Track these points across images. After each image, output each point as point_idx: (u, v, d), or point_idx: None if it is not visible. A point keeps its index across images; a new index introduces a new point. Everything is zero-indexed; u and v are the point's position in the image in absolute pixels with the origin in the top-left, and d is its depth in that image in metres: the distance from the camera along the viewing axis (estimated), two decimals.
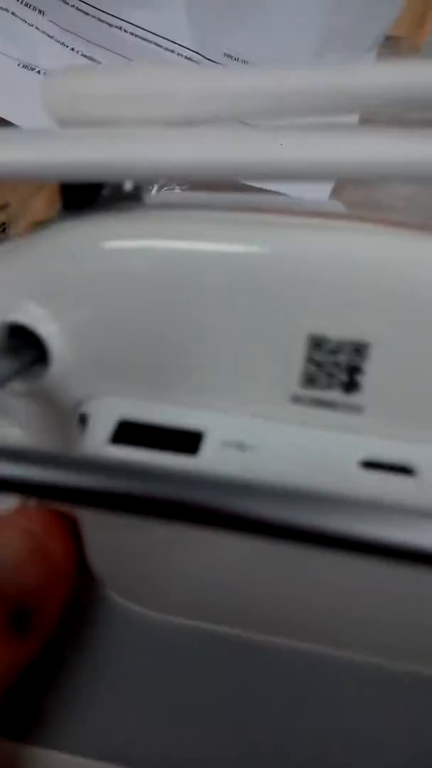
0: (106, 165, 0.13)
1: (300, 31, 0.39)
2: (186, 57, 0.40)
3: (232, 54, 0.40)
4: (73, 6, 0.40)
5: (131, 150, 0.13)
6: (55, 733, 0.20)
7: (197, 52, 0.40)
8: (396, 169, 0.12)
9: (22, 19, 0.41)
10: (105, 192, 0.16)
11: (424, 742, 0.18)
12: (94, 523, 0.16)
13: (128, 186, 0.16)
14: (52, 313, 0.15)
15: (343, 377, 0.14)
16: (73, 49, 0.41)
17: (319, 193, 0.37)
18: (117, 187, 0.16)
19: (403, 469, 0.14)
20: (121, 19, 0.39)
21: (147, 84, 0.14)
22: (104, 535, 0.16)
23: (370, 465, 0.14)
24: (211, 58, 0.40)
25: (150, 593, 0.17)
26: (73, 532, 0.17)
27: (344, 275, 0.13)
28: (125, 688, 0.19)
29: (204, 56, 0.40)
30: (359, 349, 0.13)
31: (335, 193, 0.37)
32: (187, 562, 0.16)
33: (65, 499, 0.11)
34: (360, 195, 0.37)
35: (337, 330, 0.13)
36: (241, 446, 0.14)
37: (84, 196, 0.15)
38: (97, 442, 0.14)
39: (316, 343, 0.14)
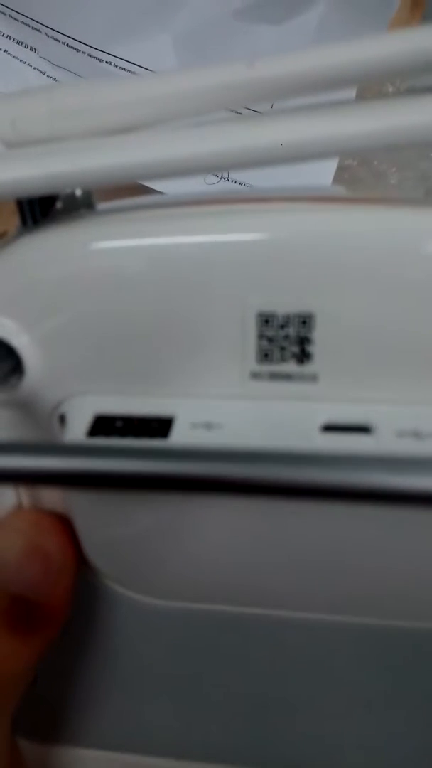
0: (52, 177, 0.14)
1: None
2: None
3: None
4: (64, 43, 0.41)
5: (74, 161, 0.14)
6: (75, 729, 0.21)
7: None
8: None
9: (14, 56, 0.43)
10: (58, 204, 0.17)
11: (424, 695, 0.18)
12: (86, 518, 0.17)
13: (79, 195, 0.17)
14: (22, 326, 0.16)
15: (295, 349, 0.15)
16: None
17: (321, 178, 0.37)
18: (70, 198, 0.17)
19: (362, 428, 0.14)
20: (111, 55, 0.41)
21: (83, 99, 0.15)
22: (97, 528, 0.17)
23: (331, 428, 0.14)
24: None
25: (148, 580, 0.18)
26: (67, 529, 0.17)
27: (280, 253, 0.14)
28: (135, 677, 0.20)
29: None
30: (305, 321, 0.14)
31: None
32: (180, 545, 0.17)
33: (57, 482, 0.13)
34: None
35: (283, 305, 0.14)
36: (208, 426, 0.15)
37: (39, 210, 0.16)
38: (76, 437, 0.15)
39: (266, 319, 0.14)
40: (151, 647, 0.19)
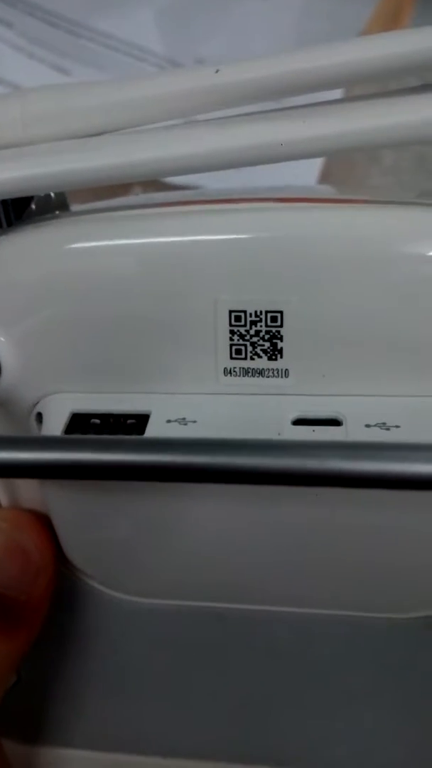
0: (25, 180, 0.15)
1: (274, 36, 0.39)
2: (157, 65, 0.41)
3: (205, 61, 0.40)
4: (41, 19, 0.40)
5: (46, 164, 0.15)
6: (59, 729, 0.21)
7: (169, 60, 0.41)
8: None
9: None
10: (33, 206, 0.17)
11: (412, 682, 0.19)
12: (65, 517, 0.17)
13: (53, 197, 0.17)
14: None
15: (266, 345, 0.15)
16: (42, 61, 0.41)
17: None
18: (44, 200, 0.17)
19: (332, 421, 0.15)
20: (91, 30, 0.40)
21: (55, 103, 0.15)
22: (76, 526, 0.17)
23: (302, 422, 0.15)
24: (183, 66, 0.40)
25: (127, 579, 0.18)
26: (47, 528, 0.18)
27: (249, 251, 0.14)
28: (119, 676, 0.20)
29: (175, 64, 0.41)
30: (275, 317, 0.15)
31: None
32: (157, 543, 0.17)
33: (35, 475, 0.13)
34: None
35: (253, 302, 0.15)
36: (182, 421, 0.15)
37: (13, 212, 0.16)
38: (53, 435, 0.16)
39: (237, 316, 0.15)
40: (134, 645, 0.19)
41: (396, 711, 0.19)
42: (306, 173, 0.38)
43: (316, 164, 0.38)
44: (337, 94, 0.15)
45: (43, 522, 0.18)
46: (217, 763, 0.20)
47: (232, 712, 0.20)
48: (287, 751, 0.20)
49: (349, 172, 0.40)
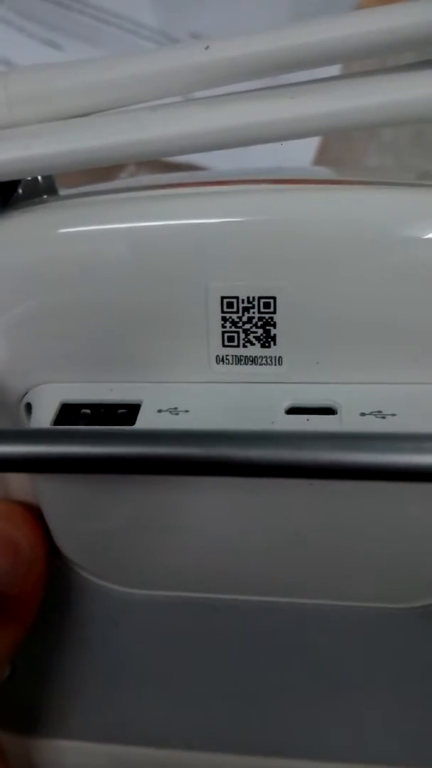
0: (9, 163, 0.14)
1: (269, 8, 0.38)
2: (149, 38, 0.40)
3: (199, 34, 0.39)
4: None
5: (31, 146, 0.14)
6: (55, 721, 0.21)
7: (162, 33, 0.40)
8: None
9: None
10: (20, 190, 0.16)
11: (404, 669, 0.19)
12: (56, 510, 0.17)
13: (41, 181, 0.16)
14: None
15: (259, 332, 0.15)
16: (32, 35, 0.40)
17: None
18: (31, 184, 0.16)
19: (326, 410, 0.14)
20: (82, 2, 0.39)
21: (40, 83, 0.15)
22: (67, 519, 0.17)
23: (296, 410, 0.14)
24: (177, 39, 0.39)
25: (119, 570, 0.18)
26: (38, 520, 0.17)
27: (241, 235, 0.14)
28: (113, 667, 0.20)
29: (169, 37, 0.40)
30: (268, 304, 0.14)
31: None
32: (149, 535, 0.17)
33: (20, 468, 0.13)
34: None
35: (245, 288, 0.14)
36: (174, 411, 0.15)
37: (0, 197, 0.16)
38: (42, 425, 0.15)
39: (229, 303, 0.14)
40: (128, 637, 0.19)
41: (393, 701, 0.19)
42: (302, 151, 0.37)
43: (313, 142, 0.37)
44: (334, 71, 0.14)
45: (35, 514, 0.17)
46: (212, 754, 0.20)
47: (228, 703, 0.20)
48: (283, 741, 0.20)
49: (347, 150, 0.39)
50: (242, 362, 0.15)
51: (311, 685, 0.19)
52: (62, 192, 0.17)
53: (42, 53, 0.39)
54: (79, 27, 0.40)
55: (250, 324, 0.14)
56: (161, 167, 0.32)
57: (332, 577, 0.17)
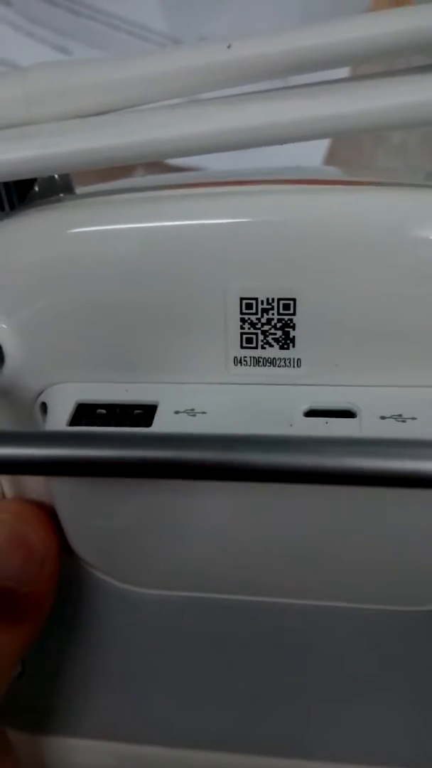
0: (28, 161, 0.14)
1: (279, 14, 0.38)
2: (160, 44, 0.39)
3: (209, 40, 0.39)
4: None
5: (50, 144, 0.14)
6: (64, 719, 0.21)
7: (172, 39, 0.40)
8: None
9: None
10: (36, 188, 0.16)
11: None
12: (70, 509, 0.17)
13: (57, 179, 0.16)
14: (0, 313, 0.15)
15: (278, 334, 0.14)
16: (42, 41, 0.40)
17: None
18: (48, 182, 0.16)
19: (345, 413, 0.14)
20: (92, 8, 0.39)
21: (59, 81, 0.15)
22: (81, 518, 0.17)
23: (314, 413, 0.14)
24: None
25: (132, 570, 0.18)
26: (51, 519, 0.17)
27: (260, 236, 0.14)
28: (124, 666, 0.20)
29: (179, 43, 0.40)
30: (287, 305, 0.14)
31: None
32: (162, 535, 0.16)
33: (36, 471, 0.13)
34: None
35: (264, 289, 0.14)
36: (191, 412, 0.15)
37: (16, 195, 0.16)
38: (58, 426, 0.15)
39: (248, 304, 0.14)
40: (138, 636, 0.19)
41: (399, 703, 0.19)
42: (313, 153, 0.37)
43: (323, 144, 0.37)
44: (342, 73, 0.14)
45: (48, 513, 0.17)
46: (219, 753, 0.20)
47: (235, 702, 0.20)
48: (290, 742, 0.20)
49: (356, 152, 0.39)
50: (260, 364, 0.15)
51: (318, 686, 0.19)
52: (78, 190, 0.17)
53: (52, 59, 0.39)
54: (90, 33, 0.40)
55: (269, 325, 0.14)
56: (161, 168, 0.32)
57: (341, 580, 0.17)
